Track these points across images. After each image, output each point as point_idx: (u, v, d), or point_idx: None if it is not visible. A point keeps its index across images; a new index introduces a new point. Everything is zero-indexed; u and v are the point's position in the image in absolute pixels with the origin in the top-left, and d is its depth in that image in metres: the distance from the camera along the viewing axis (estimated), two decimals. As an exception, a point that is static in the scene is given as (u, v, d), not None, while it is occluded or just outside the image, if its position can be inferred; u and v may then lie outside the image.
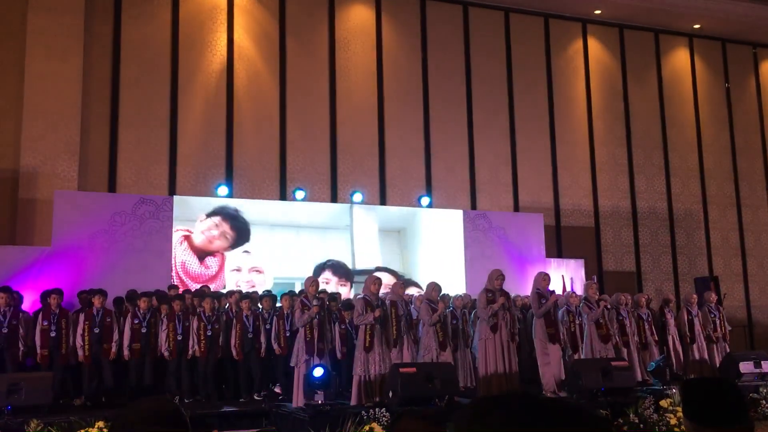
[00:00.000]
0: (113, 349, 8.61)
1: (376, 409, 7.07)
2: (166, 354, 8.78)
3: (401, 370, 7.64)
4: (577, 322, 9.62)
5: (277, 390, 9.15)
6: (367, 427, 6.82)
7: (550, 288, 9.41)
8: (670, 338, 10.78)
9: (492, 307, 8.59)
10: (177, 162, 12.48)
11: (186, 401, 8.60)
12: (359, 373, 7.98)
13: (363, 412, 7.00)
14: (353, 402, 7.98)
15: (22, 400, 7.34)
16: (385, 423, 6.84)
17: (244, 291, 10.39)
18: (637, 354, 10.22)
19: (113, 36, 12.48)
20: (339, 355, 9.19)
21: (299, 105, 13.42)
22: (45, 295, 8.81)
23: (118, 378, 8.70)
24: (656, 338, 10.53)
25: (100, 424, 6.67)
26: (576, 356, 9.38)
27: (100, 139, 12.10)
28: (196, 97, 12.81)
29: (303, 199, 12.20)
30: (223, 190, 11.91)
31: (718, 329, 10.96)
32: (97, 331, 8.58)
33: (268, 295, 9.96)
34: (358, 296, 9.14)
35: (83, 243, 10.46)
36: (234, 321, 9.20)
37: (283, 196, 12.79)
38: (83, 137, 11.77)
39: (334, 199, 13.12)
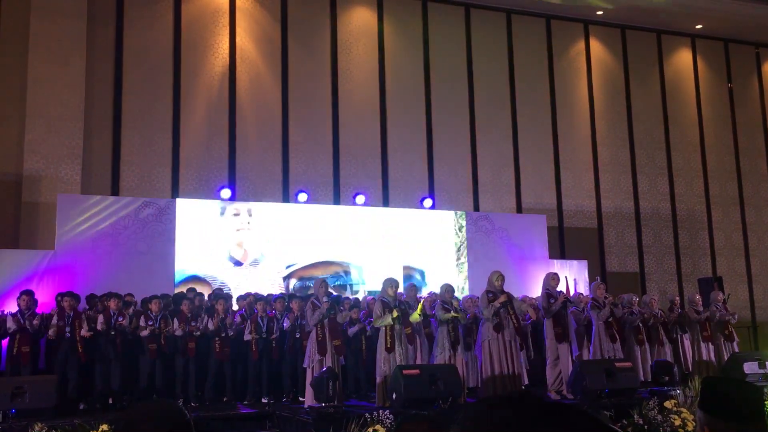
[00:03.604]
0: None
1: (380, 411, 7.08)
2: (150, 349, 8.77)
3: (404, 372, 7.66)
4: (584, 323, 9.66)
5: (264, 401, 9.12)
6: (370, 429, 6.82)
7: (559, 288, 9.44)
8: (678, 338, 10.81)
9: (494, 305, 8.62)
10: (180, 165, 12.50)
11: (192, 404, 8.61)
12: (382, 374, 8.09)
13: (366, 414, 7.00)
14: (378, 403, 8.09)
15: (27, 403, 7.35)
16: (389, 425, 6.84)
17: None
18: (649, 354, 10.25)
19: (115, 39, 12.50)
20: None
21: (301, 107, 13.43)
22: (58, 298, 8.87)
23: (126, 380, 8.72)
24: (668, 338, 10.57)
25: (104, 427, 6.67)
26: (585, 356, 9.40)
27: (103, 142, 12.13)
28: (198, 99, 12.83)
29: (306, 202, 12.21)
30: (225, 192, 11.92)
31: (727, 328, 10.96)
32: (113, 333, 8.61)
33: (281, 297, 9.99)
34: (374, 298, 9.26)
35: (86, 246, 10.48)
36: (248, 322, 9.24)
37: (285, 199, 12.80)
38: (86, 141, 11.80)
39: (336, 201, 13.13)
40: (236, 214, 11.63)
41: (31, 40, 11.64)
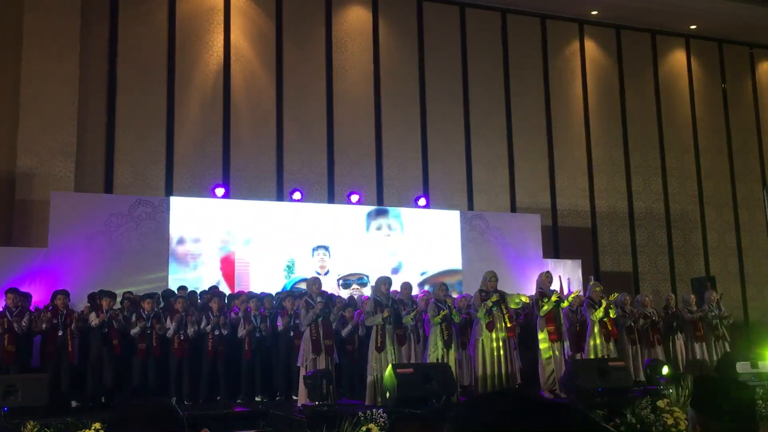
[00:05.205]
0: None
1: (374, 410, 7.08)
2: (140, 349, 8.76)
3: (398, 370, 7.66)
4: (579, 322, 9.70)
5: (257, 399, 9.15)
6: (364, 428, 6.82)
7: (552, 288, 9.47)
8: (671, 338, 10.84)
9: (486, 304, 8.65)
10: (174, 163, 12.47)
11: (186, 403, 8.60)
12: (373, 373, 8.09)
13: (360, 412, 7.00)
14: (368, 402, 8.08)
15: (19, 401, 7.32)
16: (383, 424, 6.84)
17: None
18: (641, 353, 10.29)
19: (110, 36, 12.46)
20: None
21: (296, 106, 13.41)
22: (53, 296, 8.86)
23: (119, 379, 8.70)
24: (660, 337, 10.60)
25: (97, 425, 6.65)
26: (578, 355, 9.43)
27: (97, 140, 12.08)
28: (192, 97, 12.80)
29: (300, 200, 12.20)
30: (219, 191, 11.89)
31: (718, 329, 11.00)
32: (105, 331, 8.60)
33: (269, 296, 10.02)
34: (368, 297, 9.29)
35: (80, 244, 10.43)
36: (242, 320, 9.23)
37: (280, 197, 12.79)
38: (80, 138, 11.75)
39: (331, 200, 13.12)
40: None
41: (25, 37, 11.58)
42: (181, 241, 11.15)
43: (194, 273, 11.14)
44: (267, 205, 12.21)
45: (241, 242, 11.52)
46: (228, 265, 11.40)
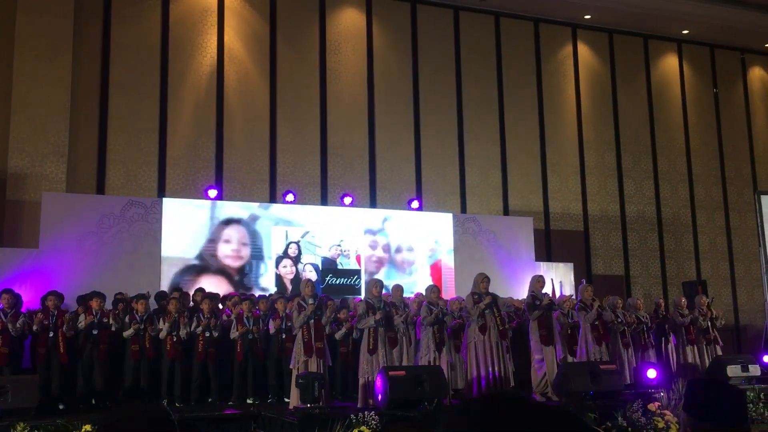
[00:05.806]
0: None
1: (365, 412, 7.08)
2: (132, 350, 8.73)
3: (390, 373, 7.66)
4: (570, 325, 9.72)
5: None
6: (356, 431, 6.82)
7: (544, 291, 9.48)
8: (662, 341, 10.87)
9: (479, 306, 8.66)
10: (166, 164, 12.44)
11: (177, 405, 8.56)
12: (365, 375, 8.08)
13: (352, 415, 7.00)
14: (360, 404, 8.07)
15: (9, 403, 7.28)
16: (374, 426, 6.84)
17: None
18: (634, 357, 10.31)
19: (103, 37, 12.43)
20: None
21: (290, 107, 13.41)
22: (43, 298, 8.83)
23: (109, 381, 8.66)
24: (652, 341, 10.64)
25: (87, 427, 6.63)
26: (570, 359, 9.44)
27: (89, 140, 12.04)
28: (185, 98, 12.77)
29: (293, 202, 12.19)
30: (212, 192, 11.87)
31: (710, 332, 11.04)
32: (95, 332, 8.57)
33: (264, 298, 10.02)
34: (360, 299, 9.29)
35: (71, 245, 10.40)
36: (234, 322, 9.21)
37: (273, 199, 12.77)
38: (72, 139, 11.71)
39: (324, 201, 13.12)
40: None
41: (18, 37, 11.54)
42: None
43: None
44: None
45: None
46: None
